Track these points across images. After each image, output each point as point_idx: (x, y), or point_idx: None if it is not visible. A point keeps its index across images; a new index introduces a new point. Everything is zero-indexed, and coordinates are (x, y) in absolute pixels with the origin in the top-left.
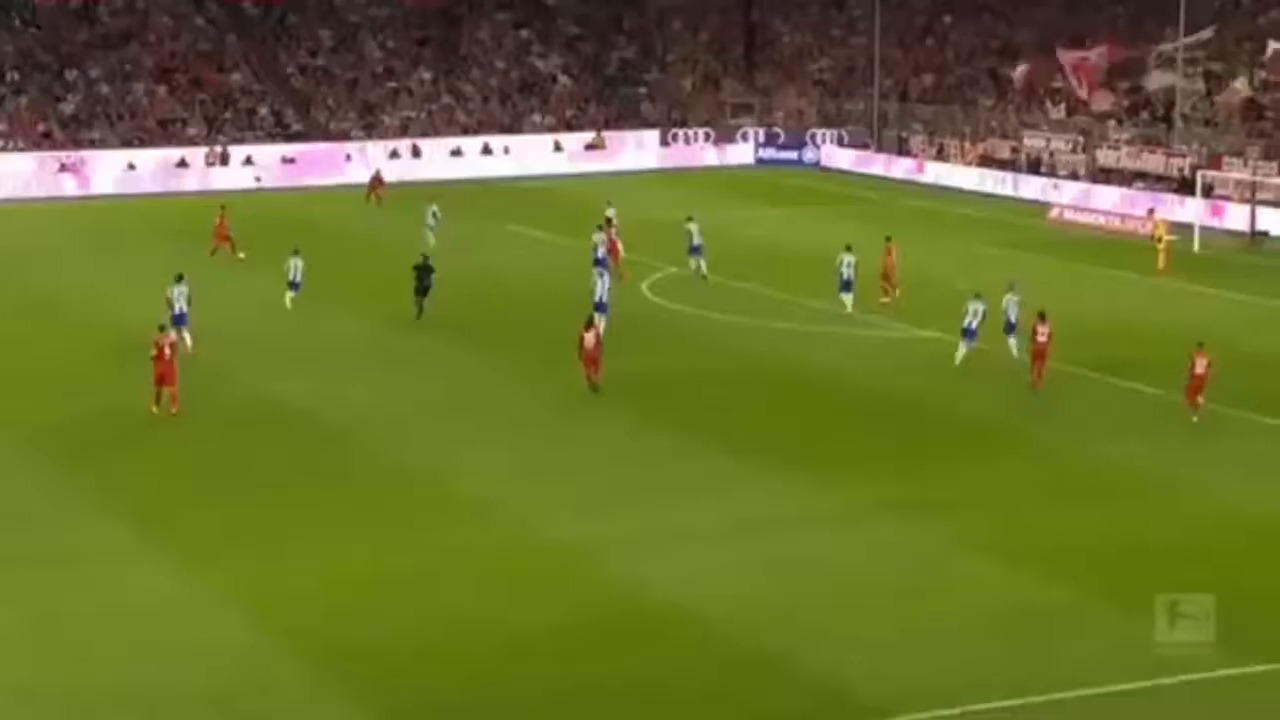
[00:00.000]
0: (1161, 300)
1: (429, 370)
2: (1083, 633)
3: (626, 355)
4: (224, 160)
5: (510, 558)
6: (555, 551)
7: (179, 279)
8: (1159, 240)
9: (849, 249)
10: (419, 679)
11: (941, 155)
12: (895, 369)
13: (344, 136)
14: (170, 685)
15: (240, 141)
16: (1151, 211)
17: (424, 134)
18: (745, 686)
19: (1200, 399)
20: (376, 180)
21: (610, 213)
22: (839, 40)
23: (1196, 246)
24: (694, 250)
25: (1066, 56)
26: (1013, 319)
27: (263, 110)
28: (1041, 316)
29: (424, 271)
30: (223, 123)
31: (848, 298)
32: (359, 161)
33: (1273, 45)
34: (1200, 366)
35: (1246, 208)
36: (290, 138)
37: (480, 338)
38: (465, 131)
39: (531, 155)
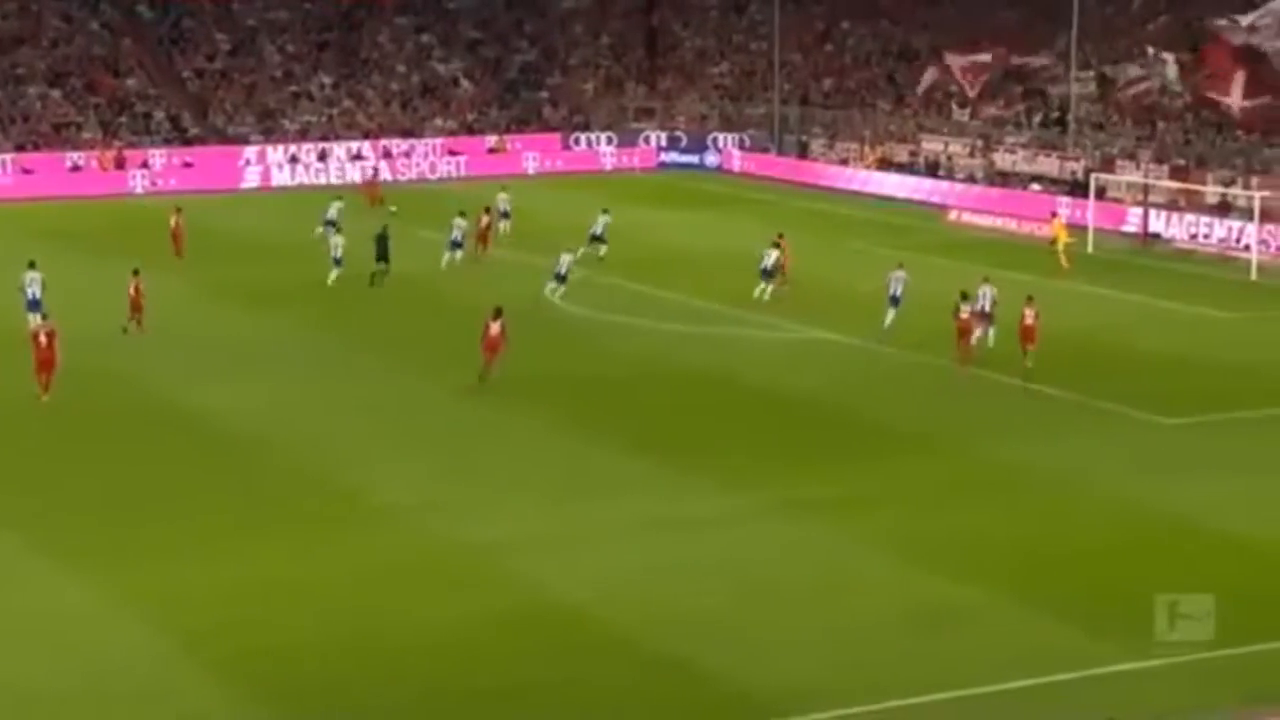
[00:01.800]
0: (1057, 301)
1: (334, 373)
2: (990, 632)
3: (530, 357)
4: (120, 164)
5: (419, 561)
6: (464, 553)
7: (31, 265)
8: (1057, 243)
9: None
10: (328, 680)
11: (841, 159)
12: (798, 370)
13: (242, 140)
14: (67, 693)
15: (136, 145)
16: (1055, 215)
17: (324, 138)
18: (654, 689)
19: (1031, 346)
20: (371, 181)
21: (503, 200)
22: (739, 45)
23: (1090, 248)
24: (595, 239)
25: (956, 61)
26: (987, 308)
27: (159, 114)
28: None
29: (383, 241)
30: (118, 127)
31: (766, 287)
32: (257, 165)
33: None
34: (1029, 318)
35: (1139, 210)
36: (187, 142)
37: (384, 340)
38: (366, 135)
39: (433, 159)
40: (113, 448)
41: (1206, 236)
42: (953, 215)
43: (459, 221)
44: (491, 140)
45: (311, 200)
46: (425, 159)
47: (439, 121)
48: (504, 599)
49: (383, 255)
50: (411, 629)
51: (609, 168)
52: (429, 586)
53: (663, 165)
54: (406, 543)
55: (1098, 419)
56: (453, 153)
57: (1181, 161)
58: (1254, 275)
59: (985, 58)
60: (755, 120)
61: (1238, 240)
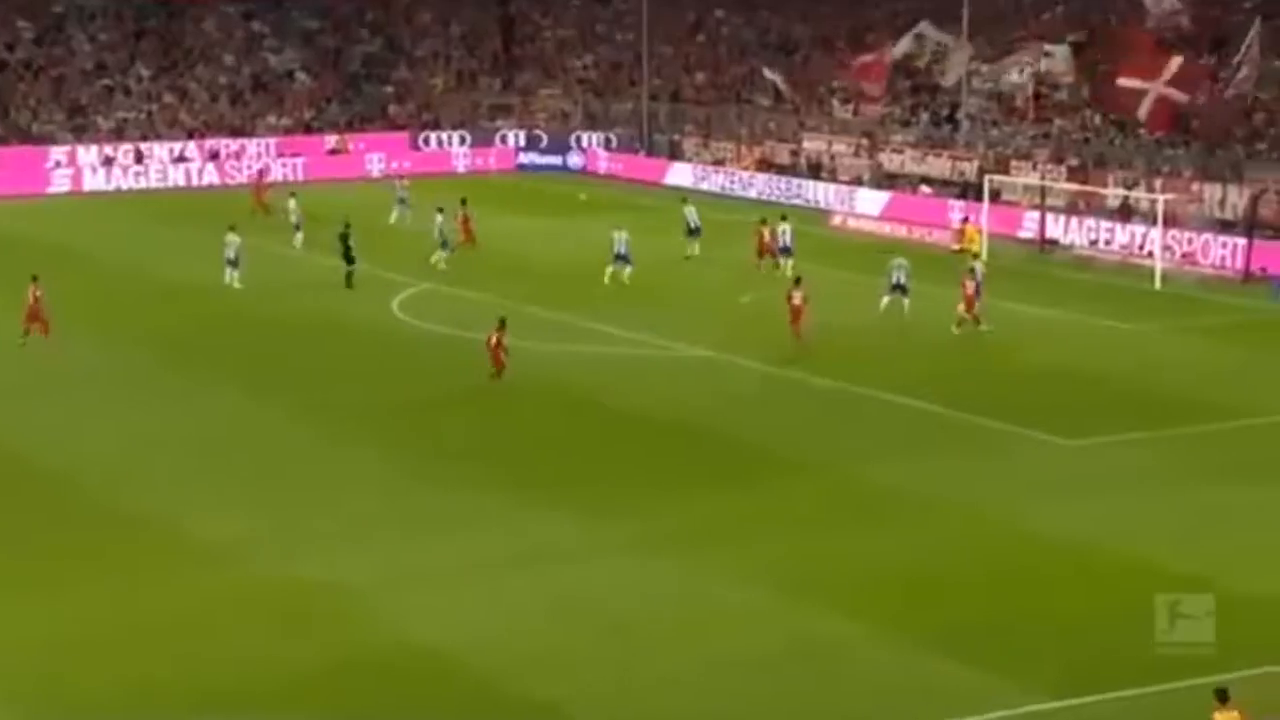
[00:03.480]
0: (951, 312)
1: (149, 398)
2: (872, 666)
3: (377, 379)
4: None
5: (253, 602)
6: (307, 592)
7: None
8: (966, 250)
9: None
10: None
11: (717, 160)
12: (666, 389)
13: (49, 140)
14: None
15: None
16: (966, 220)
17: (144, 137)
18: None
19: (795, 327)
20: (259, 183)
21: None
22: (604, 35)
23: (984, 256)
24: (692, 232)
25: (856, 61)
26: (902, 280)
27: None
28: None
29: (344, 238)
30: None
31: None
32: (67, 168)
33: (1047, 48)
34: (797, 299)
35: (1036, 214)
36: None
37: (216, 363)
38: (190, 135)
39: (266, 160)
40: None
41: (1108, 243)
42: (837, 220)
43: (438, 218)
44: (331, 140)
45: (131, 206)
46: (258, 160)
47: (272, 119)
48: (353, 640)
49: (349, 256)
50: (250, 676)
51: (462, 170)
52: (265, 630)
53: (521, 167)
54: (245, 581)
55: (990, 439)
56: (289, 154)
57: (1079, 161)
58: (1158, 284)
59: (879, 54)
60: (622, 118)
61: (1140, 247)
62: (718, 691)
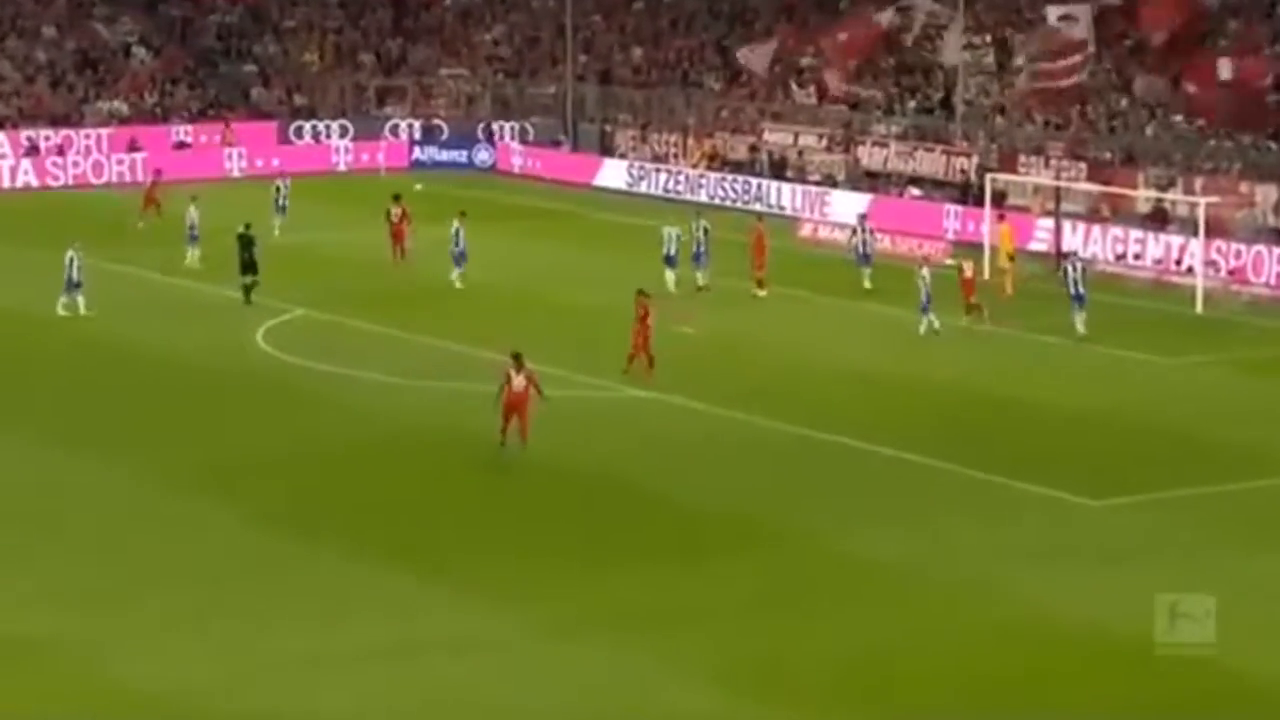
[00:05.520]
0: (953, 346)
1: None
2: None
3: (236, 426)
4: None
5: (75, 712)
6: (135, 701)
7: None
8: (1006, 258)
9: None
10: None
11: (657, 155)
12: (588, 436)
13: None
14: None
15: None
16: (1002, 217)
17: None
18: None
19: (641, 354)
20: (154, 183)
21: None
22: (519, 3)
23: (986, 274)
24: (669, 261)
25: (828, 37)
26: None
27: None
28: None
29: (247, 243)
30: None
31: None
32: None
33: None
34: (644, 311)
35: (1049, 221)
36: None
37: (16, 406)
38: (2, 124)
39: (97, 156)
40: None
41: (1138, 257)
42: (805, 230)
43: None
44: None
45: None
46: (87, 157)
47: (103, 105)
48: None
49: (250, 265)
50: None
51: (343, 167)
52: None
53: (417, 164)
54: (60, 688)
55: (994, 499)
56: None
57: (1105, 156)
58: (1199, 307)
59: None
60: (542, 104)
61: (1178, 262)
62: None
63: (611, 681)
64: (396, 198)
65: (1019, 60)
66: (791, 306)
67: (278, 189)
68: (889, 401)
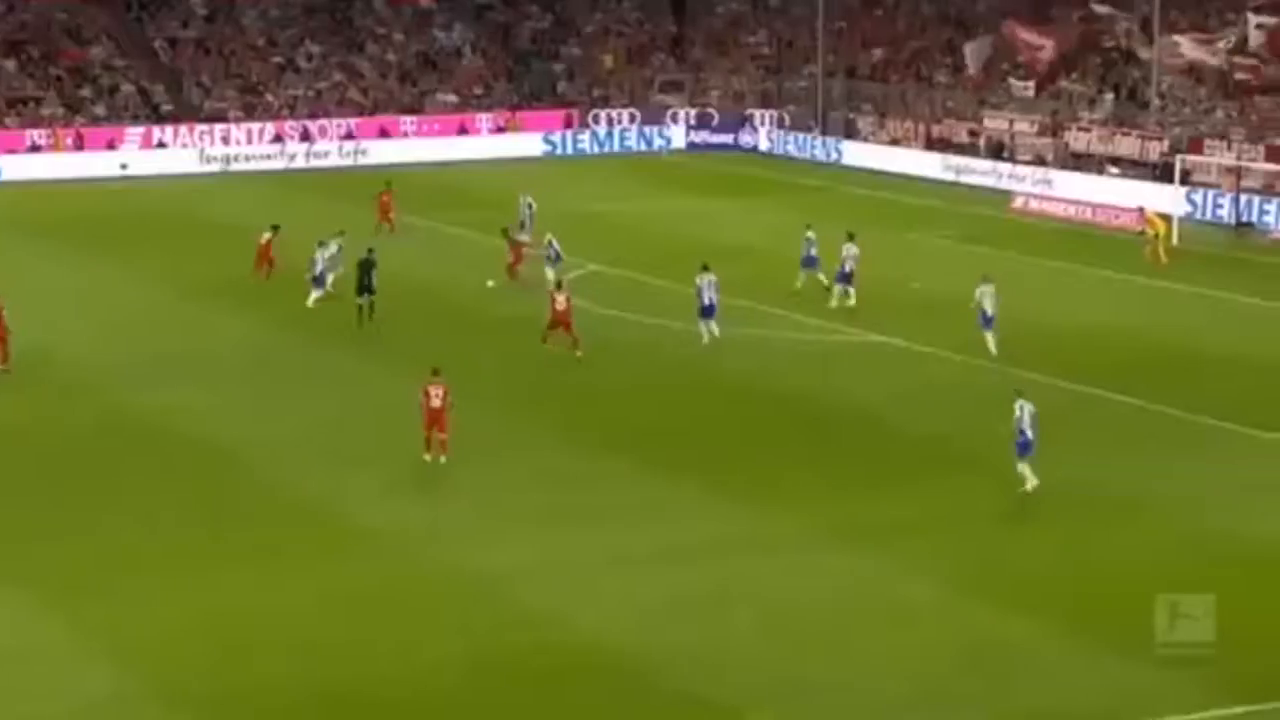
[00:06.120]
0: (1142, 301)
1: (318, 384)
2: (1044, 670)
3: (535, 365)
4: (80, 144)
5: (412, 589)
6: (461, 581)
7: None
8: (1147, 234)
9: (851, 238)
10: None
11: (893, 139)
12: (842, 376)
13: (221, 118)
14: None
15: (102, 123)
16: (1142, 210)
17: (313, 115)
18: None
19: (565, 333)
20: (385, 197)
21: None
22: (778, 10)
23: (1175, 240)
24: (809, 262)
25: (1021, 33)
26: (990, 311)
27: (127, 88)
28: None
29: (367, 267)
30: (81, 102)
31: (840, 289)
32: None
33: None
34: (560, 303)
35: (1229, 196)
36: (160, 119)
37: (376, 346)
38: (360, 112)
39: (434, 139)
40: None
41: None
42: (1018, 202)
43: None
44: (497, 118)
45: (299, 184)
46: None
47: (440, 97)
48: (511, 633)
49: (363, 287)
50: (409, 665)
51: (634, 149)
52: (425, 618)
53: (692, 146)
54: (399, 569)
55: (1180, 433)
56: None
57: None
58: None
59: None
60: (796, 96)
61: None
62: (885, 691)
63: (861, 581)
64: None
65: (1211, 59)
66: (1007, 268)
67: (530, 205)
68: (1092, 349)
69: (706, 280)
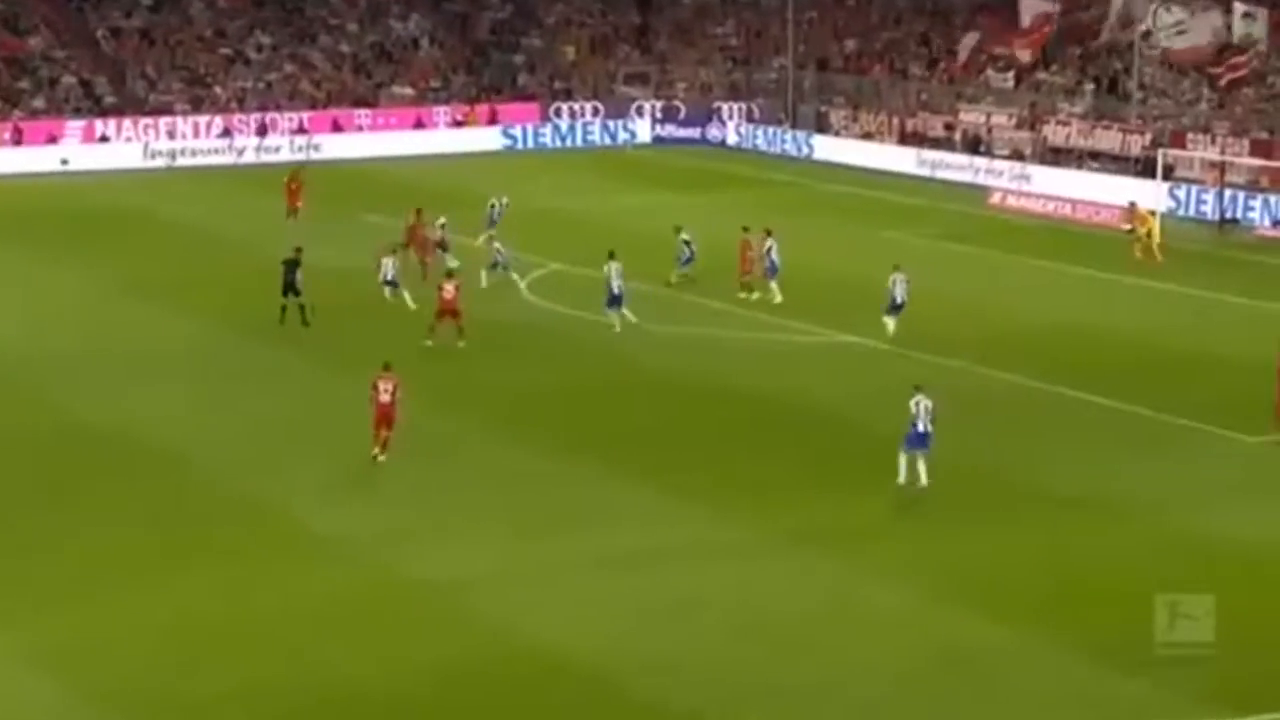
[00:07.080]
0: (1124, 299)
1: (269, 384)
2: (1020, 676)
3: (500, 365)
4: (19, 138)
5: (367, 598)
6: (421, 587)
7: None
8: (1137, 231)
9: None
10: None
11: (866, 133)
12: (810, 378)
13: (166, 110)
14: None
15: (42, 116)
16: (1133, 205)
17: (263, 108)
18: None
19: (452, 321)
20: (294, 185)
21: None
22: (747, 1)
23: (1157, 237)
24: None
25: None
26: (899, 299)
27: (68, 80)
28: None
29: (292, 267)
30: (20, 94)
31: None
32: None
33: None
34: (449, 292)
35: (1214, 191)
36: (103, 112)
37: (330, 345)
38: (313, 105)
39: (390, 133)
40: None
41: None
42: (995, 198)
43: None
44: (455, 112)
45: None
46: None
47: (396, 90)
48: (471, 642)
49: (288, 286)
50: (366, 678)
51: (597, 143)
52: (380, 628)
53: (658, 140)
54: (353, 578)
55: (1163, 435)
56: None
57: (1265, 135)
58: None
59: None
60: (766, 88)
61: None
62: (853, 700)
63: (828, 587)
64: (418, 212)
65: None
66: (983, 265)
67: (493, 205)
68: (1067, 348)
69: (613, 268)
